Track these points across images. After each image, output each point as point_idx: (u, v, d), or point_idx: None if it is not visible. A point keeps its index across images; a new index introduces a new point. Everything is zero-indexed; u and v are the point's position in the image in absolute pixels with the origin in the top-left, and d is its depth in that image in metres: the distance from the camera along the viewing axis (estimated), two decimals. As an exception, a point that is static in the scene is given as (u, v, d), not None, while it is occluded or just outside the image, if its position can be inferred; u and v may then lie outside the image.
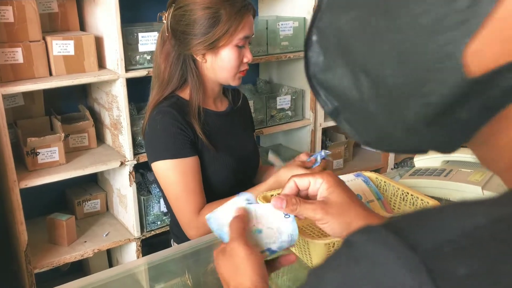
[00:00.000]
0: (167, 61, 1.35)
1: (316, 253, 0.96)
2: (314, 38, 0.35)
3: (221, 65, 1.32)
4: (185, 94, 1.37)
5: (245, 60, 1.34)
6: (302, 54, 2.18)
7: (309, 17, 2.17)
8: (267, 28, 2.08)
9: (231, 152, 1.39)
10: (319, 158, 1.33)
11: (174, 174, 1.28)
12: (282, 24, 2.11)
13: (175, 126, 1.28)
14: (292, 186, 0.72)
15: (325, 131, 2.50)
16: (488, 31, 0.28)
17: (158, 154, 1.30)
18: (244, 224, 0.69)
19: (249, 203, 0.74)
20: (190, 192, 1.29)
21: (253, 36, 1.37)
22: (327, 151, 1.34)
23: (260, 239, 0.72)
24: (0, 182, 1.73)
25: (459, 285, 0.25)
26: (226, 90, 1.50)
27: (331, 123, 2.39)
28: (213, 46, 1.29)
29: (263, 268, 0.65)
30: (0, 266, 1.79)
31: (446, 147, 0.35)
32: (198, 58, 1.33)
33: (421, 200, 1.08)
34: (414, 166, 1.43)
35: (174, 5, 1.31)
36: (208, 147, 1.33)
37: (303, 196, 0.73)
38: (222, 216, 0.74)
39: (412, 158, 1.44)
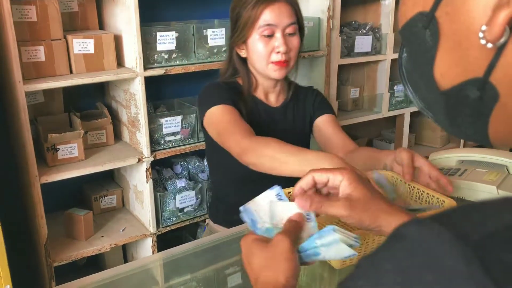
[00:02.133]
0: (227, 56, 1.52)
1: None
2: (404, 55, 0.47)
3: (252, 56, 1.38)
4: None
5: (275, 50, 1.35)
6: (316, 53, 2.20)
7: (323, 17, 2.19)
8: (282, 27, 2.10)
9: None
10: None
11: (221, 116, 1.32)
12: (297, 24, 2.13)
13: (217, 86, 1.41)
14: (309, 181, 0.73)
15: (338, 130, 2.51)
16: (441, 57, 0.41)
17: (203, 109, 1.36)
18: (300, 229, 0.70)
19: (279, 198, 0.75)
20: (241, 124, 1.28)
21: (290, 25, 1.35)
22: None
23: None
24: (22, 177, 1.78)
25: (508, 270, 0.28)
26: (290, 85, 1.52)
27: (344, 122, 2.41)
28: (242, 37, 1.36)
29: (298, 267, 0.65)
30: (20, 259, 1.84)
31: (478, 140, 0.43)
32: (240, 53, 1.42)
33: (437, 198, 1.09)
34: (428, 165, 1.44)
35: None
36: None
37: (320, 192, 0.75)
38: (254, 210, 0.74)
39: (426, 158, 1.45)
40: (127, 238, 1.91)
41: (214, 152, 1.45)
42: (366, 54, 2.40)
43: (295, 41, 1.38)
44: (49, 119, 1.88)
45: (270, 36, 1.34)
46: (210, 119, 1.34)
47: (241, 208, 0.75)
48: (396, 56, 2.51)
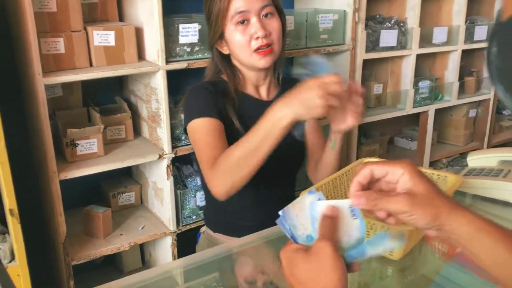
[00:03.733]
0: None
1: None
2: (494, 49, 0.43)
3: (233, 49, 1.32)
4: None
5: (254, 36, 1.27)
6: (341, 47, 2.13)
7: (349, 10, 2.11)
8: (306, 20, 2.03)
9: None
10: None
11: (199, 131, 1.26)
12: (321, 17, 2.06)
13: (203, 90, 1.32)
14: (366, 174, 0.68)
15: (360, 127, 2.45)
16: None
17: (187, 117, 1.30)
18: (335, 225, 0.65)
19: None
20: (211, 148, 1.22)
21: (264, 7, 1.27)
22: None
23: None
24: (41, 173, 1.73)
25: None
26: (283, 79, 1.45)
27: (366, 119, 2.34)
28: (217, 32, 1.31)
29: (346, 273, 0.61)
30: (38, 256, 1.79)
31: None
32: (222, 50, 1.35)
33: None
34: (467, 165, 1.38)
35: None
36: (239, 130, 1.29)
37: (374, 187, 0.70)
38: (295, 214, 0.70)
39: (465, 157, 1.38)
40: (146, 237, 1.85)
41: None
42: (391, 48, 2.33)
43: (274, 23, 1.29)
44: (68, 113, 1.83)
45: (246, 22, 1.27)
46: (192, 130, 1.28)
47: (280, 212, 0.69)
48: (422, 51, 2.43)
